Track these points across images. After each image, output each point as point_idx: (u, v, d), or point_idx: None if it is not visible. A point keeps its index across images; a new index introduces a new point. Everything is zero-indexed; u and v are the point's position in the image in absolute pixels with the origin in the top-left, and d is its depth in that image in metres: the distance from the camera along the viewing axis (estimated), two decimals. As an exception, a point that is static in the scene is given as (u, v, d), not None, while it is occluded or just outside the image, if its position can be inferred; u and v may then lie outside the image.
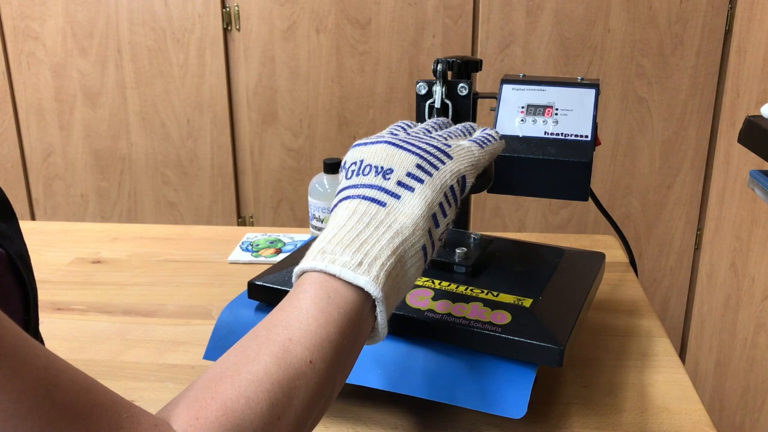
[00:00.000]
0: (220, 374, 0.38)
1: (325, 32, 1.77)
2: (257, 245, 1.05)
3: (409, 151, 0.51)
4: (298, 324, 0.41)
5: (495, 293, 0.67)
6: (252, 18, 1.78)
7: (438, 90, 0.78)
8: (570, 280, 0.73)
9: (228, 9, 1.78)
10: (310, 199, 1.01)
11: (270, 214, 1.96)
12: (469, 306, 0.65)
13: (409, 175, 0.50)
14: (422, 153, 0.51)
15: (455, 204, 0.51)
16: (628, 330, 0.82)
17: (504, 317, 0.63)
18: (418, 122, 0.80)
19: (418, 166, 0.50)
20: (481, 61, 0.88)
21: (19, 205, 1.98)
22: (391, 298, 0.45)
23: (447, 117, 0.78)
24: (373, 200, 0.48)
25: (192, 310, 0.87)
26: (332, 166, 1.00)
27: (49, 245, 1.07)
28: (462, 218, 0.88)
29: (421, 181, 0.50)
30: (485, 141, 0.56)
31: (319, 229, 1.02)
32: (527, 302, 0.66)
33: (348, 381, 0.64)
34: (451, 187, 0.51)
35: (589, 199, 0.83)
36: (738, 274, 1.61)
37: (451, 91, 0.79)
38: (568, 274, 0.74)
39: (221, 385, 0.37)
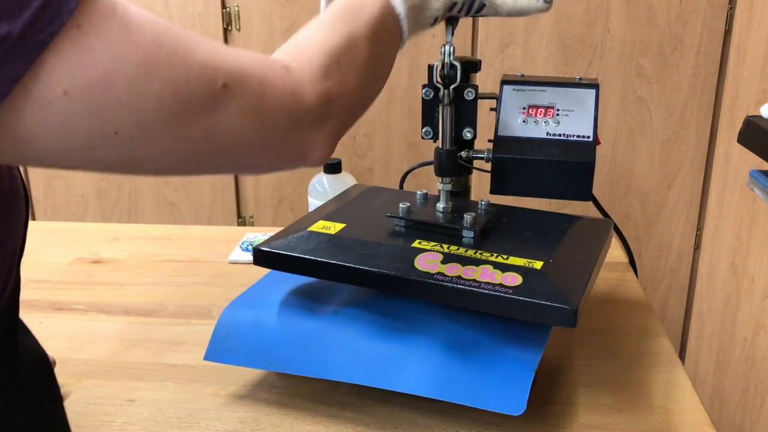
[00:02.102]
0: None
1: (325, 32, 1.77)
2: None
3: None
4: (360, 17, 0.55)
5: (505, 256, 0.67)
6: (252, 18, 1.78)
7: (446, 94, 0.77)
8: (579, 244, 0.73)
9: (228, 9, 1.78)
10: (309, 199, 1.01)
11: (270, 214, 1.96)
12: (479, 269, 0.65)
13: None
14: None
15: (471, 8, 0.65)
16: (628, 330, 0.82)
17: (515, 279, 0.63)
18: (424, 126, 0.79)
19: None
20: (480, 61, 0.88)
21: (19, 205, 1.98)
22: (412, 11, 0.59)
23: (453, 122, 0.78)
24: None
25: (192, 310, 0.87)
26: (332, 166, 1.00)
27: (49, 245, 1.07)
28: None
29: None
30: None
31: (319, 229, 1.02)
32: (538, 264, 0.65)
33: (347, 380, 0.64)
34: None
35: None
36: (738, 274, 1.61)
37: (457, 95, 0.78)
38: (577, 239, 0.73)
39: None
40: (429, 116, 0.77)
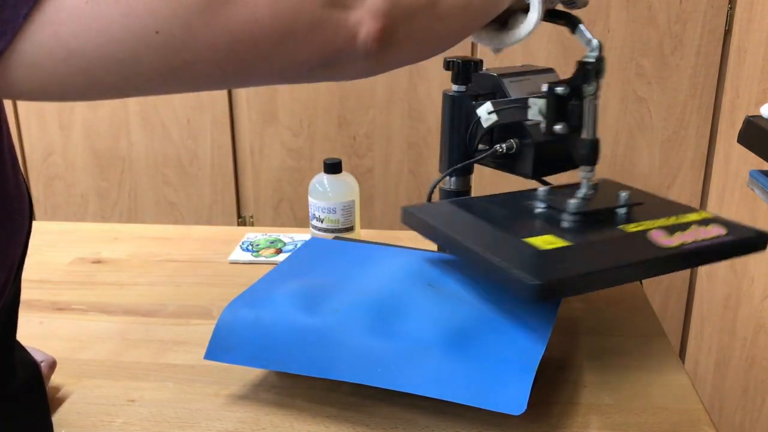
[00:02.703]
0: None
1: (325, 32, 1.77)
2: (257, 245, 1.05)
3: None
4: None
5: (680, 216, 0.77)
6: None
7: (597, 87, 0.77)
8: (665, 199, 0.86)
9: (228, 9, 1.78)
10: (310, 199, 1.01)
11: (270, 214, 1.96)
12: (692, 230, 0.73)
13: None
14: None
15: None
16: (628, 330, 0.82)
17: (720, 228, 0.74)
18: (558, 122, 0.78)
19: None
20: (481, 61, 0.88)
21: (19, 205, 1.98)
22: None
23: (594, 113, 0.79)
24: None
25: (192, 310, 0.87)
26: (332, 166, 1.00)
27: (49, 245, 1.07)
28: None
29: None
30: None
31: (319, 229, 1.02)
32: (708, 214, 0.77)
33: (347, 379, 0.64)
34: None
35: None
36: (738, 274, 1.61)
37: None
38: (660, 196, 0.86)
39: None
40: (563, 112, 0.77)
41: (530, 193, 0.84)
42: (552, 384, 0.71)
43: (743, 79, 1.62)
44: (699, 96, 1.75)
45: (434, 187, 0.90)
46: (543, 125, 0.77)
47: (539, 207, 0.80)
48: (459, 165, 0.89)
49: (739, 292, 1.61)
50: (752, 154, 0.70)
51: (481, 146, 0.87)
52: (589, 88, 0.75)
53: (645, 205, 0.81)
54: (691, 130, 1.78)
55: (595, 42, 0.74)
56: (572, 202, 0.76)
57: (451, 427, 0.65)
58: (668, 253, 0.69)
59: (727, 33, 1.70)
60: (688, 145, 1.79)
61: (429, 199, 0.92)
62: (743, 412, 1.57)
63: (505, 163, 0.86)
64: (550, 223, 0.76)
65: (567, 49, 1.74)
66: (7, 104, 1.90)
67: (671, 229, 0.73)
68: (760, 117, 0.69)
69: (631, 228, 0.73)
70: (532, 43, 1.74)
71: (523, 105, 0.81)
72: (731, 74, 1.69)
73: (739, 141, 0.71)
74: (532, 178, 0.86)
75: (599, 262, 0.68)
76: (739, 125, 0.71)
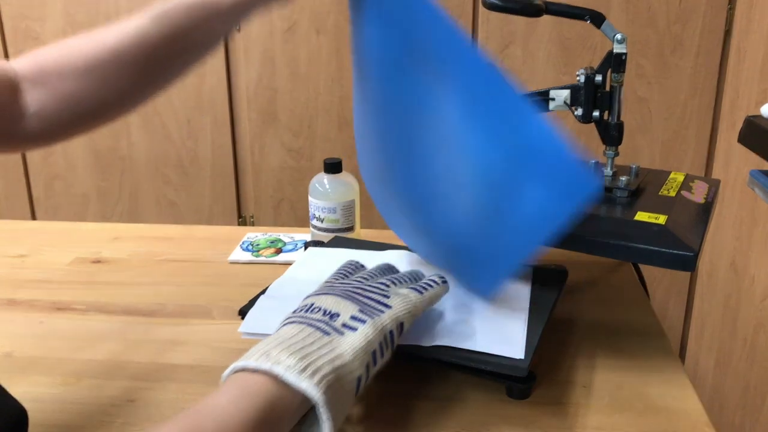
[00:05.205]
0: None
1: (325, 33, 1.77)
2: (258, 245, 1.05)
3: (352, 300, 0.59)
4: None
5: (671, 179, 0.88)
6: (252, 18, 1.78)
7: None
8: None
9: (228, 9, 1.78)
10: (310, 198, 1.02)
11: (270, 214, 1.96)
12: (695, 186, 0.88)
13: (352, 317, 0.56)
14: (362, 304, 0.58)
15: (391, 346, 0.58)
16: (628, 330, 0.82)
17: (702, 183, 0.89)
18: (593, 111, 0.82)
19: (360, 311, 0.57)
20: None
21: (19, 204, 1.98)
22: (330, 409, 0.48)
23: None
24: (318, 329, 0.54)
25: (192, 310, 0.87)
26: (333, 166, 1.00)
27: (49, 245, 1.07)
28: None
29: (363, 322, 0.56)
30: (426, 287, 0.64)
31: (319, 229, 1.02)
32: (682, 174, 0.90)
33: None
34: (390, 332, 0.58)
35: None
36: (738, 273, 1.61)
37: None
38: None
39: None
40: (593, 99, 0.82)
41: None
42: (552, 384, 0.71)
43: (743, 79, 1.62)
44: (699, 96, 1.75)
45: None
46: (579, 113, 0.82)
47: None
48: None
49: (739, 292, 1.61)
50: (752, 154, 0.70)
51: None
52: (617, 77, 0.80)
53: (646, 177, 0.88)
54: (691, 130, 1.78)
55: (620, 35, 0.79)
56: (624, 179, 0.81)
57: (451, 427, 0.65)
58: (706, 206, 0.80)
59: (727, 33, 1.70)
60: (688, 145, 1.79)
61: None
62: (743, 412, 1.58)
63: None
64: (612, 202, 0.81)
65: (567, 49, 1.74)
66: (8, 104, 1.90)
67: (688, 189, 0.84)
68: (760, 117, 0.69)
69: (671, 193, 0.82)
70: (532, 43, 1.74)
71: (537, 98, 0.85)
72: (731, 74, 1.69)
73: (739, 141, 0.71)
74: None
75: (696, 226, 0.75)
76: (739, 125, 0.71)
